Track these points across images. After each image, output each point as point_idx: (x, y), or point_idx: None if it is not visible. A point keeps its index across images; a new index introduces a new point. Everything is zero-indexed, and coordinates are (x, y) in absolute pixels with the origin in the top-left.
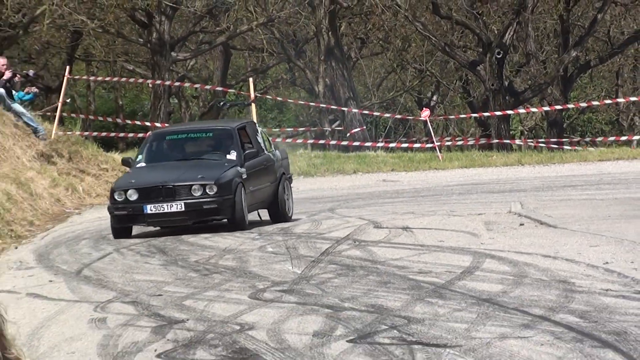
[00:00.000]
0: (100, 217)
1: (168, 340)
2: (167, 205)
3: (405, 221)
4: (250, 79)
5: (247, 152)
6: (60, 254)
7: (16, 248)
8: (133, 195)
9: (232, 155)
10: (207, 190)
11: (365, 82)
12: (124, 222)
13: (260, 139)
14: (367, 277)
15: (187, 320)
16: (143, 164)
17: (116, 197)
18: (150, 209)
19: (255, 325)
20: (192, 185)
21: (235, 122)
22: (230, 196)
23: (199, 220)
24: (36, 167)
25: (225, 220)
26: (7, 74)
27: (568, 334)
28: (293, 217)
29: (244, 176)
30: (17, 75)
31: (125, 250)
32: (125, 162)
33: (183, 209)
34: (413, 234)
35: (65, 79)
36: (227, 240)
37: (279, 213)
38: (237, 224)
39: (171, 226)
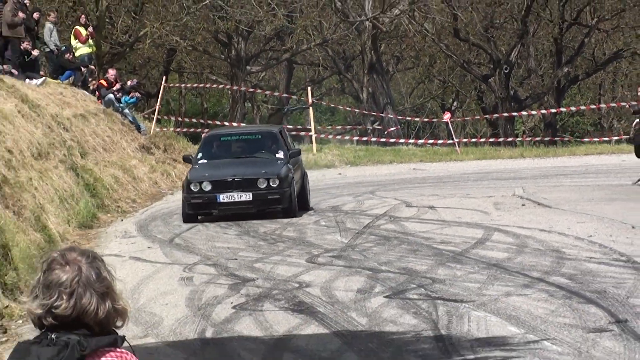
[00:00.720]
0: None
1: (241, 294)
2: (237, 195)
3: (430, 201)
4: (309, 88)
5: (291, 151)
6: (157, 225)
7: (122, 220)
8: (207, 186)
9: (280, 154)
10: (271, 183)
11: (400, 90)
12: (198, 209)
13: (289, 141)
14: (400, 246)
15: (257, 279)
16: (204, 161)
17: (192, 187)
18: (222, 198)
19: (310, 284)
20: (258, 179)
21: (276, 127)
22: (288, 189)
23: (262, 208)
24: (138, 157)
25: (280, 207)
26: (117, 86)
27: (559, 292)
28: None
29: (292, 172)
30: (122, 85)
31: (208, 223)
32: (187, 159)
33: (251, 198)
34: (437, 211)
35: (162, 86)
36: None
37: (305, 204)
38: (291, 212)
39: (238, 213)
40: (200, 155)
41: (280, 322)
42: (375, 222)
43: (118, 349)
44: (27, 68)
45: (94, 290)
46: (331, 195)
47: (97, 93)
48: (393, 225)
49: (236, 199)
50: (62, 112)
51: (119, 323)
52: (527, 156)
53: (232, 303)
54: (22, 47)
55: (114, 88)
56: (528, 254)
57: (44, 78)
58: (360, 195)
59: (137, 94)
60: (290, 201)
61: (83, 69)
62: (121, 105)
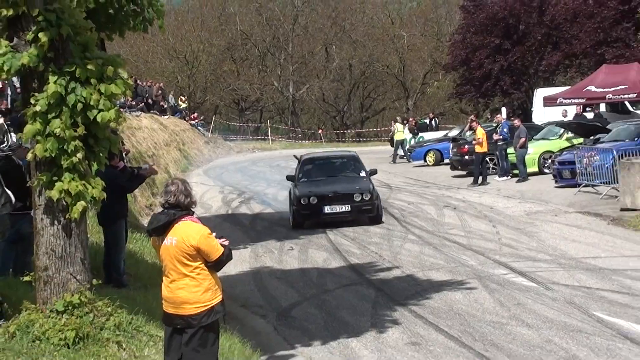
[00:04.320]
0: (230, 161)
1: (242, 197)
2: (339, 207)
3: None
4: (268, 121)
5: (369, 170)
6: (211, 171)
7: (197, 169)
8: (314, 200)
9: (363, 173)
10: (364, 197)
11: (304, 121)
12: (306, 219)
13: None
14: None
15: (247, 191)
16: (305, 179)
17: (302, 202)
18: (326, 209)
19: (268, 192)
20: (354, 193)
21: (354, 152)
22: (377, 201)
23: (357, 217)
24: (203, 145)
25: (371, 216)
26: (196, 119)
27: None
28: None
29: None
30: (198, 118)
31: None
32: (291, 178)
33: (349, 209)
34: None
35: (213, 120)
36: None
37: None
38: (378, 220)
39: (337, 221)
40: (300, 175)
41: (256, 208)
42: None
43: (191, 216)
44: (162, 111)
45: (183, 194)
46: (275, 159)
47: (188, 121)
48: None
49: (337, 210)
50: (175, 128)
51: (193, 207)
52: (350, 147)
53: (239, 201)
54: (160, 104)
55: (195, 120)
56: None
57: (168, 115)
58: (285, 157)
59: (203, 122)
60: (378, 211)
61: (183, 112)
62: (198, 126)
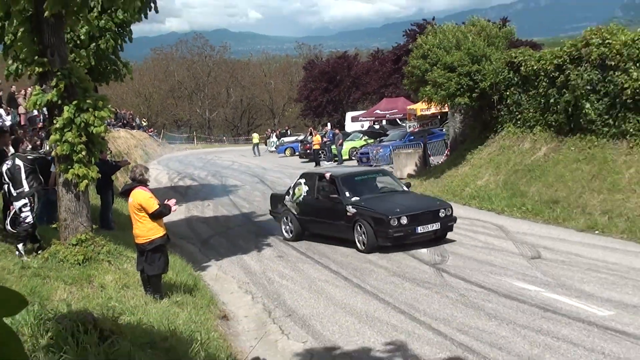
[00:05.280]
0: (172, 156)
1: (193, 178)
2: (430, 225)
3: (232, 157)
4: (194, 132)
5: (406, 182)
6: (165, 162)
7: (155, 161)
8: (404, 220)
9: (405, 187)
10: (446, 212)
11: (219, 130)
12: (398, 241)
13: None
14: (240, 169)
15: (194, 173)
16: (357, 198)
17: (391, 222)
18: (419, 229)
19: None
20: (439, 210)
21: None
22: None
23: (440, 235)
24: (160, 147)
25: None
26: (152, 131)
27: (288, 170)
28: None
29: None
30: (154, 131)
31: (181, 160)
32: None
33: (439, 227)
34: (247, 160)
35: (162, 132)
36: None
37: None
38: (445, 236)
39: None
40: (348, 194)
41: (188, 182)
42: (208, 157)
43: (143, 186)
44: (132, 128)
45: (141, 174)
46: (199, 154)
47: (147, 132)
48: (235, 162)
49: (429, 229)
50: (140, 137)
51: (148, 183)
52: (242, 147)
53: (178, 178)
54: (131, 124)
55: (151, 132)
56: (251, 168)
57: (136, 130)
58: (205, 153)
59: (156, 133)
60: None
61: (144, 128)
62: (153, 136)
